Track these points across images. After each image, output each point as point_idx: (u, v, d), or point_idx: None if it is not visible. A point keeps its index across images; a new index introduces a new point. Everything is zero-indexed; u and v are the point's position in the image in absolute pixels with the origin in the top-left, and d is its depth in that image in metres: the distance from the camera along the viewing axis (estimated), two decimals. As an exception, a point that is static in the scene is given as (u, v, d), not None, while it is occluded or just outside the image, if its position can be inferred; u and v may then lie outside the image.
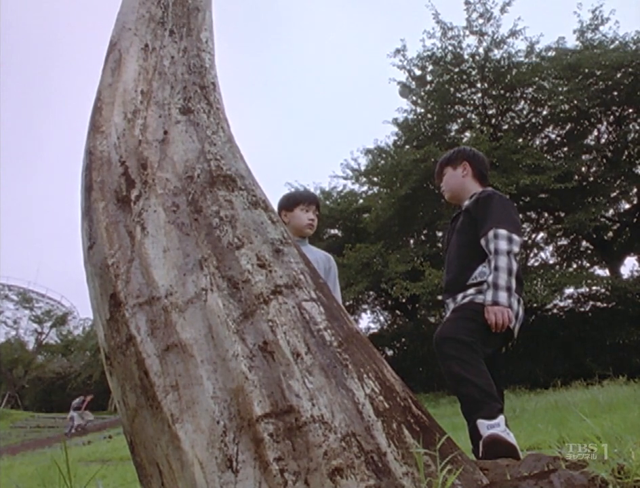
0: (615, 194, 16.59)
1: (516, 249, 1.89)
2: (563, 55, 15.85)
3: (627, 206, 17.72)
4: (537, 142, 17.93)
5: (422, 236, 18.75)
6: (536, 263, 18.62)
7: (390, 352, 20.83)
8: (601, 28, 15.97)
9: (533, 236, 19.35)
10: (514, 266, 1.87)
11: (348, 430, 0.95)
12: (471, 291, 1.95)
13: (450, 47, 17.03)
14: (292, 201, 2.56)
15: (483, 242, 1.94)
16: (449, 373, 1.81)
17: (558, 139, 17.92)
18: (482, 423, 1.65)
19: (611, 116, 16.70)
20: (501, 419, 1.66)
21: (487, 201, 2.05)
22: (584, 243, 18.93)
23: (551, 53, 16.48)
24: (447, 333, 1.87)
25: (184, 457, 0.93)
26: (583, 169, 17.21)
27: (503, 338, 1.91)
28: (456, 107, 18.24)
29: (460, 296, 1.99)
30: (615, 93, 15.30)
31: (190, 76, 1.61)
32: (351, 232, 19.77)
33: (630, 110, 16.18)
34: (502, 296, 1.83)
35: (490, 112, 18.06)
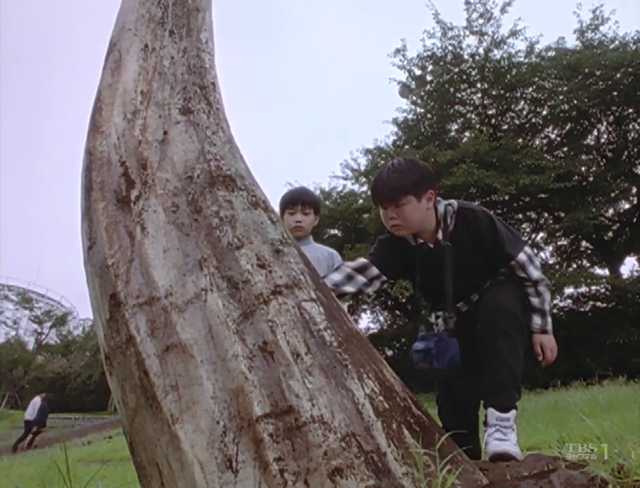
0: (615, 194, 16.59)
1: (538, 264, 1.86)
2: (563, 55, 15.87)
3: (627, 206, 17.74)
4: (537, 142, 17.95)
5: (422, 236, 18.70)
6: (536, 263, 18.61)
7: (389, 352, 20.83)
8: (601, 28, 16.02)
9: (533, 236, 19.34)
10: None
11: (347, 430, 0.95)
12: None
13: (450, 47, 17.06)
14: (280, 206, 2.57)
15: (506, 271, 1.84)
16: (488, 345, 1.65)
17: (558, 139, 17.93)
18: (492, 413, 1.60)
19: (611, 116, 16.70)
20: (512, 414, 1.61)
21: (491, 228, 1.79)
22: (583, 243, 18.95)
23: (551, 53, 16.50)
24: (509, 304, 1.68)
25: (184, 457, 0.93)
26: (583, 168, 17.23)
27: None
28: (456, 107, 18.26)
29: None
30: (615, 93, 15.31)
31: (190, 77, 1.61)
32: (351, 232, 19.74)
33: (630, 110, 16.20)
34: (550, 324, 1.82)
35: (490, 112, 18.08)
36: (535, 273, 1.80)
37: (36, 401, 14.45)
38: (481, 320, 1.71)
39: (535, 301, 1.81)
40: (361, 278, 1.88)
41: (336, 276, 1.87)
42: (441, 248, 1.84)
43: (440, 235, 1.83)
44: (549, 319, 1.82)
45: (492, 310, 1.69)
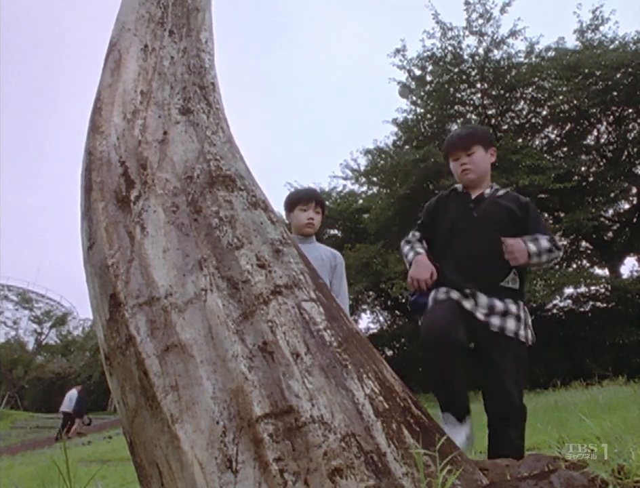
0: (614, 194, 16.57)
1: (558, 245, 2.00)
2: (563, 55, 15.85)
3: (627, 206, 17.71)
4: (537, 142, 17.94)
5: (422, 236, 18.68)
6: (536, 263, 18.60)
7: (389, 352, 20.83)
8: (601, 28, 15.99)
9: (533, 236, 19.31)
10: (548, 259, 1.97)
11: (347, 431, 0.95)
12: (512, 308, 1.93)
13: (450, 47, 17.03)
14: (291, 202, 2.59)
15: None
16: (504, 439, 1.84)
17: (558, 139, 17.91)
18: None
19: (611, 116, 16.69)
20: None
21: (537, 212, 2.07)
22: (583, 243, 18.93)
23: (551, 54, 16.48)
24: (516, 397, 1.87)
25: (184, 458, 0.93)
26: (582, 169, 17.21)
27: None
28: (456, 107, 18.24)
29: (498, 303, 1.92)
30: (615, 93, 15.29)
31: (190, 77, 1.62)
32: (351, 232, 19.76)
33: (630, 110, 16.18)
34: (534, 252, 1.89)
35: (490, 112, 18.06)
36: (555, 244, 1.94)
37: (73, 393, 14.79)
38: (494, 411, 1.91)
39: (543, 241, 1.91)
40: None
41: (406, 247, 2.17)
42: (481, 200, 2.08)
43: (487, 191, 2.11)
44: (537, 254, 1.90)
45: (510, 403, 1.87)
